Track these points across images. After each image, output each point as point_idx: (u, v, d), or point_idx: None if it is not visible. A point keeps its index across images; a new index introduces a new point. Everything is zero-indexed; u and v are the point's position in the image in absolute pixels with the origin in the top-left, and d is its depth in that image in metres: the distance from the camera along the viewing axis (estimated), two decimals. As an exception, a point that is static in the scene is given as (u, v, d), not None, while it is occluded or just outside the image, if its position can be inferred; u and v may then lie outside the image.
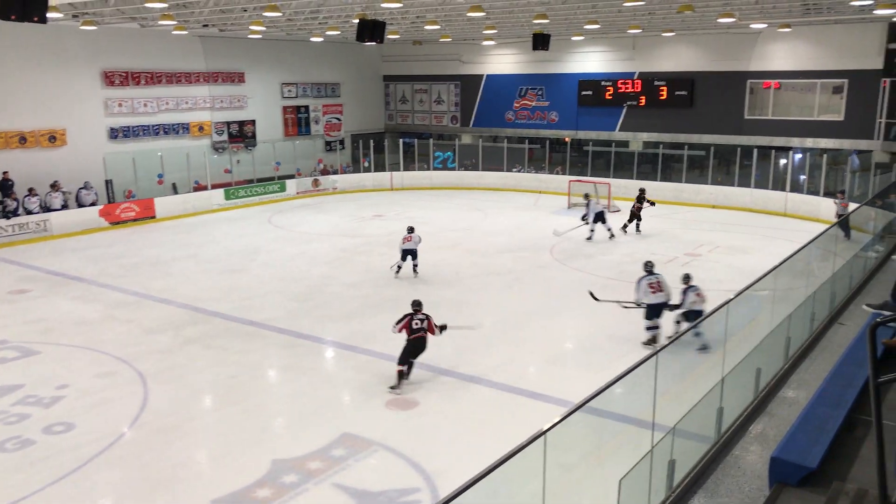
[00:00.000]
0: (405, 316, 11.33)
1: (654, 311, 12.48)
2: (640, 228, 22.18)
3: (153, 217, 24.56)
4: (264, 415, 10.52)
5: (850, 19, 22.77)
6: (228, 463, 9.14)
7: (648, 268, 12.89)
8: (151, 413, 10.42)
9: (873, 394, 2.95)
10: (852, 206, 18.77)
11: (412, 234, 17.66)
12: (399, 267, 17.59)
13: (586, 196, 21.91)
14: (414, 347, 11.24)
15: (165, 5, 16.74)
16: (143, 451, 9.41)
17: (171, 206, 25.28)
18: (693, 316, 11.95)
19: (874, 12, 19.15)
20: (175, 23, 20.79)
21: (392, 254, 19.40)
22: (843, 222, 18.97)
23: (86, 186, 23.48)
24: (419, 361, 11.52)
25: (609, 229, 21.20)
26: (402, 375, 11.19)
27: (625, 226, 22.15)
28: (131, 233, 22.93)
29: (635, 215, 22.16)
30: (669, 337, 11.31)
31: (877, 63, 24.52)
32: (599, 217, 21.05)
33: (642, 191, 22.41)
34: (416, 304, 11.51)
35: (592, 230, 21.11)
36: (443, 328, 11.52)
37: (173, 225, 24.10)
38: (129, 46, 25.32)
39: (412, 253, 17.61)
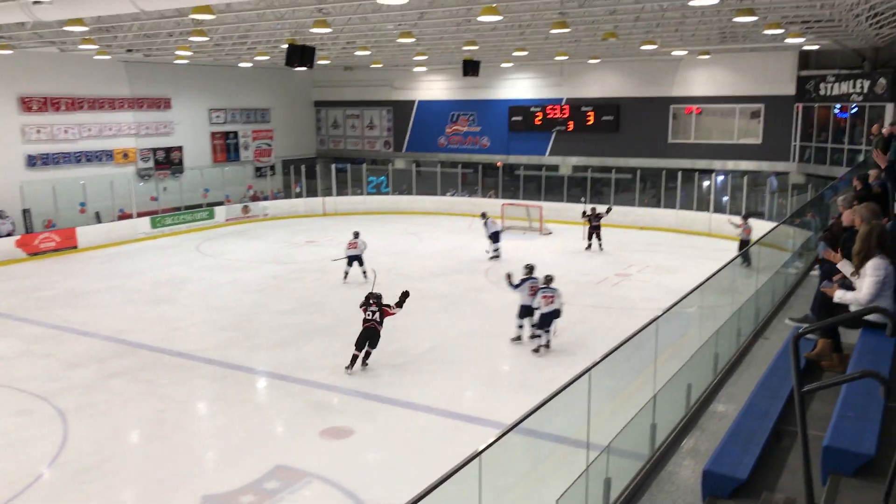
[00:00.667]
0: (363, 305, 12.61)
1: (526, 312, 13.67)
2: (602, 246, 22.94)
3: (75, 247, 23.67)
4: (194, 449, 10.16)
5: (764, 47, 23.83)
6: (155, 501, 8.78)
7: (529, 271, 13.85)
8: (72, 452, 9.93)
9: (798, 403, 3.01)
10: (768, 225, 19.43)
11: (357, 240, 18.84)
12: (346, 273, 18.92)
13: (483, 215, 22.66)
14: (364, 334, 12.47)
15: (86, 29, 16.27)
16: (62, 492, 8.96)
17: (95, 235, 24.42)
18: (545, 318, 13.21)
19: (786, 41, 20.08)
20: (97, 47, 20.22)
21: (326, 279, 19.21)
22: (744, 249, 19.86)
23: (1, 216, 22.48)
24: (357, 389, 11.35)
25: (496, 249, 21.85)
26: (354, 359, 12.45)
27: (588, 245, 22.97)
28: (51, 264, 22.02)
29: (593, 233, 22.94)
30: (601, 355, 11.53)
31: (790, 89, 25.71)
32: (494, 237, 21.79)
33: (593, 209, 23.17)
34: (372, 297, 12.57)
35: (497, 249, 21.83)
36: (403, 297, 12.71)
37: (96, 255, 23.27)
38: (48, 71, 24.50)
39: (358, 259, 18.88)
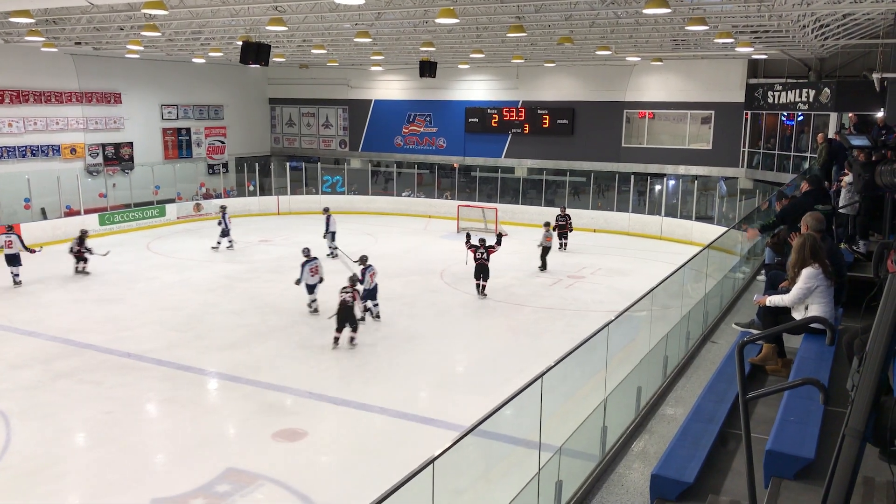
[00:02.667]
0: (472, 247, 17.86)
1: (311, 289, 15.96)
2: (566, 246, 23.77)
3: (19, 244, 22.95)
4: (142, 452, 9.98)
5: (714, 55, 24.38)
6: (102, 506, 8.60)
7: (307, 253, 16.10)
8: (15, 455, 9.67)
9: (742, 410, 3.10)
10: (718, 229, 19.87)
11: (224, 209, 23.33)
12: (219, 243, 22.98)
13: (326, 210, 23.36)
14: (479, 269, 17.62)
15: (32, 21, 15.84)
16: (6, 497, 8.71)
17: (40, 232, 23.72)
18: (369, 293, 15.42)
19: (735, 49, 20.59)
20: (44, 39, 19.69)
21: (279, 279, 19.07)
22: (543, 255, 20.99)
23: (-59, 211, 21.72)
24: (310, 390, 11.30)
25: (334, 248, 22.15)
26: (478, 287, 17.67)
27: (562, 245, 23.62)
28: (-6, 261, 21.33)
29: (563, 233, 23.69)
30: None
31: (739, 96, 26.35)
32: (332, 236, 22.43)
33: (562, 210, 24.22)
34: (481, 241, 17.82)
35: (333, 247, 22.13)
36: (500, 237, 18.57)
37: (42, 252, 22.60)
38: (-8, 63, 23.79)
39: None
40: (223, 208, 23.75)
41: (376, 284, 15.70)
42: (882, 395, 2.48)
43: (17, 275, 18.42)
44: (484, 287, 17.63)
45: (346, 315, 13.71)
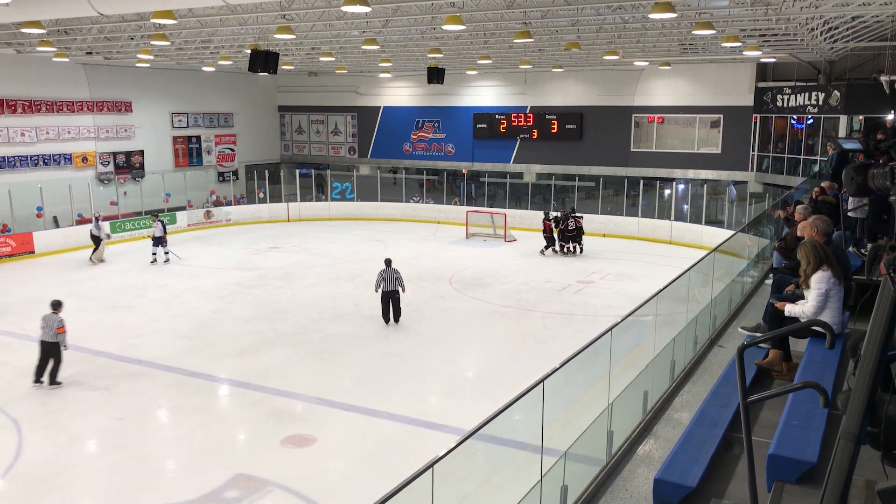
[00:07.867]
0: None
1: None
2: (573, 250, 23.89)
3: (32, 252, 23.20)
4: (152, 459, 10.03)
5: (722, 59, 24.32)
6: (112, 512, 8.65)
7: None
8: (26, 463, 9.75)
9: (743, 413, 3.10)
10: (727, 233, 19.72)
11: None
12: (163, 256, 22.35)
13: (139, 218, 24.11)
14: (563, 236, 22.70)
15: (44, 32, 16.01)
16: (16, 504, 8.78)
17: (52, 240, 23.95)
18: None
19: (744, 53, 20.54)
20: (55, 49, 19.89)
21: (289, 286, 19.12)
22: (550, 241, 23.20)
23: (-45, 221, 22.01)
24: (320, 396, 11.37)
25: (167, 253, 22.39)
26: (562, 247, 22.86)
27: (562, 247, 23.72)
28: (6, 269, 21.53)
29: (569, 237, 23.68)
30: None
31: (748, 100, 26.27)
32: (158, 241, 22.19)
33: (567, 213, 24.02)
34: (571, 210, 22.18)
35: (154, 254, 22.31)
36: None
37: (54, 260, 22.82)
38: (5, 73, 24.00)
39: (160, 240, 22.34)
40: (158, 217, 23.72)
41: None
42: (883, 393, 2.48)
43: (161, 253, 22.17)
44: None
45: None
